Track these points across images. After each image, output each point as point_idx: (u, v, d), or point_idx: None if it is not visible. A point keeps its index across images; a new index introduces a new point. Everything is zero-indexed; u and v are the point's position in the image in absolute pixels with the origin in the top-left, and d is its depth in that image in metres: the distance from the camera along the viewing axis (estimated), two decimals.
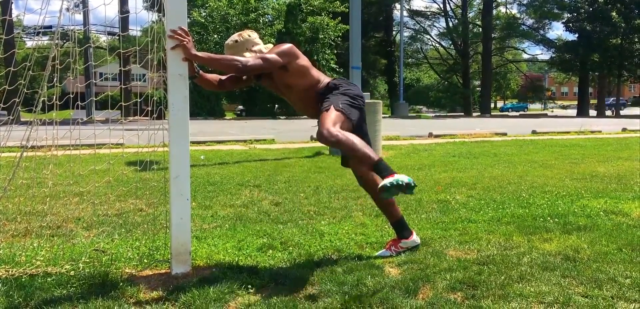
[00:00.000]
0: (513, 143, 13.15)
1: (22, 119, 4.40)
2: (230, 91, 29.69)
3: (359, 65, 11.10)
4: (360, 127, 3.64)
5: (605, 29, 43.09)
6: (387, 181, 3.18)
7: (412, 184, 3.21)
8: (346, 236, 4.25)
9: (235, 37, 3.68)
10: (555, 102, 72.87)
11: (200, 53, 3.36)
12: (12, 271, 3.28)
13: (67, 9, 7.30)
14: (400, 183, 3.16)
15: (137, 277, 3.28)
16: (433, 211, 5.16)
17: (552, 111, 61.17)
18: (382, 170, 3.29)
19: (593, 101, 54.87)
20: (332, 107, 3.47)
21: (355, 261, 3.57)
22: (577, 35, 46.51)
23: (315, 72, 3.72)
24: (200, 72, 3.66)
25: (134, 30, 21.91)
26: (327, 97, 3.59)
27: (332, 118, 3.39)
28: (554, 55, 50.66)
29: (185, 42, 3.26)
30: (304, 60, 3.67)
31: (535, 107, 69.92)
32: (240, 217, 4.95)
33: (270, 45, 3.74)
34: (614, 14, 42.73)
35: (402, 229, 3.83)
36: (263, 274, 3.28)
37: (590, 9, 44.10)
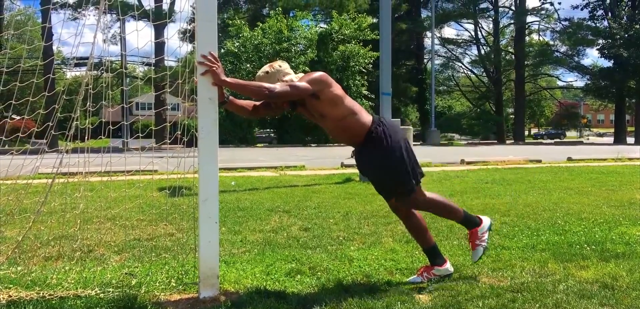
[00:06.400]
0: (548, 170, 12.89)
1: (59, 146, 4.49)
2: (262, 117, 29.87)
3: (389, 91, 11.09)
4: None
5: None
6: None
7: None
8: (376, 261, 4.19)
9: (266, 68, 3.64)
10: (591, 129, 71.44)
11: (228, 79, 3.39)
12: (43, 293, 3.32)
13: (104, 41, 7.49)
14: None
15: (166, 301, 3.29)
16: (465, 237, 5.05)
17: (588, 138, 59.90)
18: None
19: (631, 128, 53.48)
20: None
21: (384, 287, 3.53)
22: (612, 61, 45.62)
23: (350, 103, 3.63)
24: (231, 98, 3.65)
25: (168, 60, 22.37)
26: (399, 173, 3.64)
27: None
28: (588, 82, 49.78)
29: (214, 68, 3.29)
30: (337, 89, 3.58)
31: (570, 134, 68.69)
32: (269, 242, 4.94)
33: (302, 74, 3.71)
34: None
35: (435, 257, 3.77)
36: (291, 300, 3.25)
37: (626, 35, 43.25)
